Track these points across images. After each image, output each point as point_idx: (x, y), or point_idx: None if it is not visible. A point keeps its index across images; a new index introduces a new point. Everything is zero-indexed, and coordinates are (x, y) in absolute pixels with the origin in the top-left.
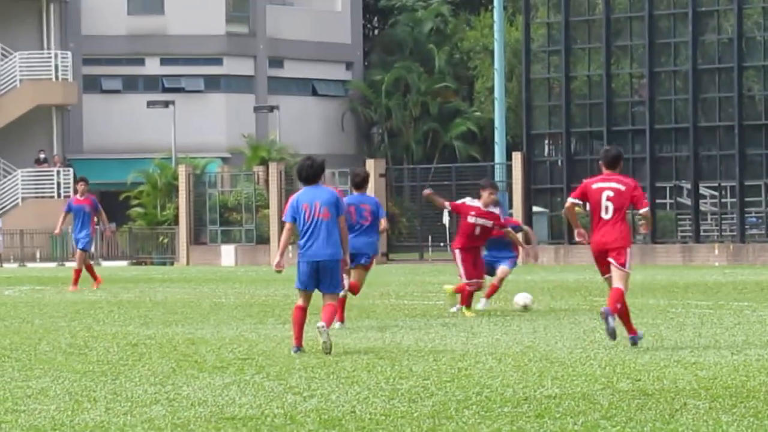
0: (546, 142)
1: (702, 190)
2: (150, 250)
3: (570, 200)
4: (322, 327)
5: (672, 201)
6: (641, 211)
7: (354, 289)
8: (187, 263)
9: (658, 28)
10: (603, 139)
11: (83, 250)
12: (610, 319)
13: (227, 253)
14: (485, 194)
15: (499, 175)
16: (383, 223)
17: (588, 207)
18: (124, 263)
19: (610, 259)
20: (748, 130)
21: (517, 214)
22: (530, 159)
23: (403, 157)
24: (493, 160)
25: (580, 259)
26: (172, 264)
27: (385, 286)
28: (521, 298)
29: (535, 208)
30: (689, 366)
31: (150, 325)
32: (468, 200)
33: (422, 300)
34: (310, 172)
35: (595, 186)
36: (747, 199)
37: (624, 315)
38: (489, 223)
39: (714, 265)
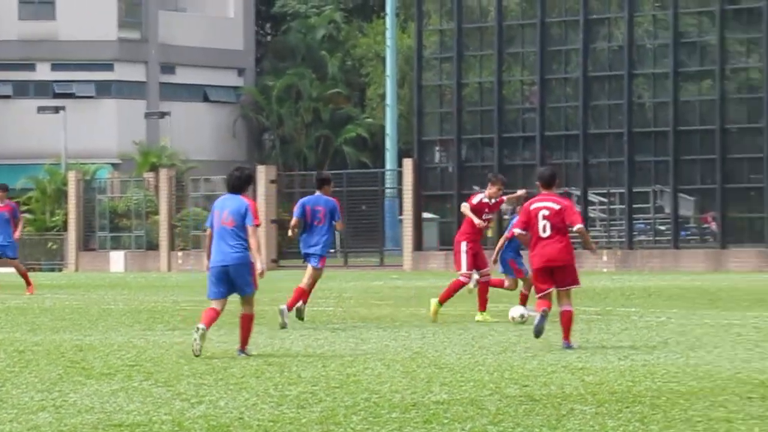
0: (437, 148)
1: (591, 197)
2: (39, 257)
3: (516, 232)
4: (243, 350)
5: None
6: (574, 228)
7: (302, 294)
8: (76, 269)
9: (550, 35)
10: (494, 146)
11: (13, 257)
12: (565, 343)
13: (117, 259)
14: (494, 188)
15: (390, 181)
16: (338, 224)
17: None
18: (11, 270)
19: (557, 287)
20: (637, 137)
21: (408, 220)
22: (421, 165)
23: (294, 163)
24: (384, 166)
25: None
26: (60, 270)
27: (275, 293)
28: (516, 311)
29: (425, 215)
30: (576, 371)
31: (38, 332)
32: (479, 196)
33: (311, 306)
34: (236, 183)
35: (533, 207)
36: (635, 206)
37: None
38: (493, 215)
39: (602, 271)
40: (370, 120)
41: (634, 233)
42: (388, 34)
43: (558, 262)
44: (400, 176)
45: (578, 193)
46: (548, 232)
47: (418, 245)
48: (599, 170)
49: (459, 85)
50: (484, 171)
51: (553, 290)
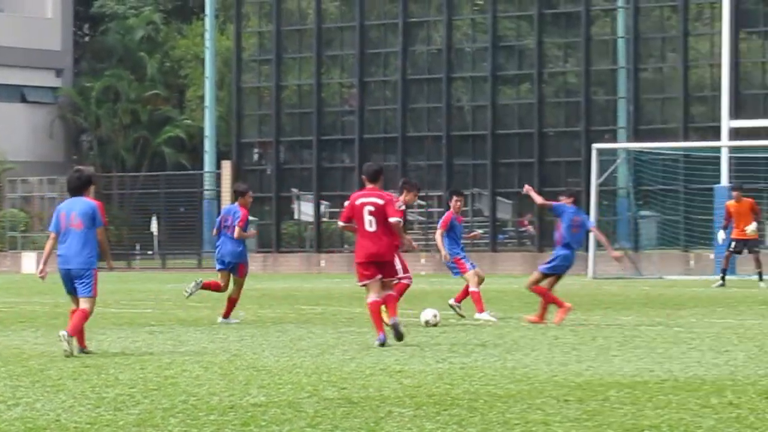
0: (255, 150)
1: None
2: None
3: (340, 224)
4: (64, 335)
5: None
6: (390, 220)
7: (231, 301)
8: None
9: (369, 38)
10: (312, 149)
11: None
12: (394, 324)
13: None
14: (410, 195)
15: (208, 183)
16: (237, 231)
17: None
18: None
19: (380, 277)
20: (455, 141)
21: None
22: (240, 167)
23: (112, 164)
24: (203, 168)
25: (286, 268)
26: None
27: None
28: (427, 314)
29: None
30: (394, 374)
31: None
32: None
33: (130, 308)
34: (77, 184)
35: (358, 202)
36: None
37: (378, 315)
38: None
39: (420, 273)
40: (189, 121)
41: None
42: (207, 35)
43: (382, 257)
44: (219, 178)
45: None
46: (374, 227)
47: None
48: (418, 173)
49: (278, 87)
50: (303, 173)
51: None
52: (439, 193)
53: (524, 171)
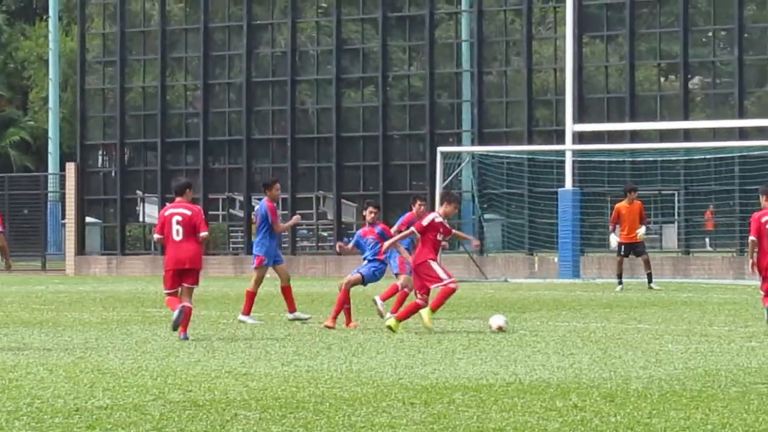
0: (100, 152)
1: (254, 203)
2: None
3: (155, 236)
4: None
5: (225, 213)
6: (201, 234)
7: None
8: None
9: (213, 40)
10: (157, 151)
11: None
12: (183, 335)
13: None
14: (450, 207)
15: (52, 185)
16: (275, 226)
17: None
18: None
19: (185, 284)
20: (300, 143)
21: (70, 224)
22: (84, 169)
23: None
24: (47, 170)
25: (131, 270)
26: None
27: None
28: (496, 321)
29: (88, 219)
30: (240, 377)
31: None
32: (431, 215)
33: None
34: None
35: (167, 213)
36: (299, 212)
37: (187, 320)
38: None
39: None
40: (32, 123)
41: (298, 239)
42: (51, 37)
43: (189, 264)
44: (63, 180)
45: (241, 198)
46: (181, 236)
47: (81, 250)
48: (262, 176)
49: (122, 89)
50: (147, 176)
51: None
52: (284, 196)
53: (369, 174)
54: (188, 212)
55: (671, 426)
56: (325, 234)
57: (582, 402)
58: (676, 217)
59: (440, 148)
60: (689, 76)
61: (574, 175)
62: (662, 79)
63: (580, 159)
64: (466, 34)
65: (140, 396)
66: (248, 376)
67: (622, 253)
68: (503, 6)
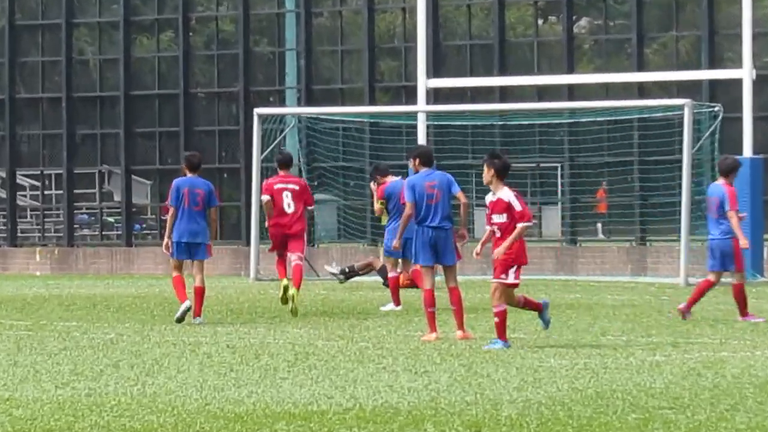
0: None
1: (20, 180)
2: None
3: None
4: None
5: None
6: None
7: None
8: None
9: None
10: None
11: None
12: None
13: None
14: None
15: None
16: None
17: None
18: None
19: None
20: (77, 104)
21: None
22: None
23: None
24: None
25: None
26: None
27: None
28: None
29: None
30: (2, 402)
31: None
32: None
33: None
34: None
35: None
36: (77, 191)
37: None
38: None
39: (35, 274)
40: None
41: (76, 226)
42: None
43: None
44: None
45: (3, 174)
46: None
47: None
48: (30, 145)
49: None
50: None
51: None
52: (59, 171)
53: (167, 143)
54: None
55: None
56: (111, 220)
57: None
58: (559, 196)
59: (257, 110)
60: (574, 17)
61: (428, 142)
62: (540, 22)
63: (436, 123)
64: None
65: None
66: (11, 402)
67: None
68: None
